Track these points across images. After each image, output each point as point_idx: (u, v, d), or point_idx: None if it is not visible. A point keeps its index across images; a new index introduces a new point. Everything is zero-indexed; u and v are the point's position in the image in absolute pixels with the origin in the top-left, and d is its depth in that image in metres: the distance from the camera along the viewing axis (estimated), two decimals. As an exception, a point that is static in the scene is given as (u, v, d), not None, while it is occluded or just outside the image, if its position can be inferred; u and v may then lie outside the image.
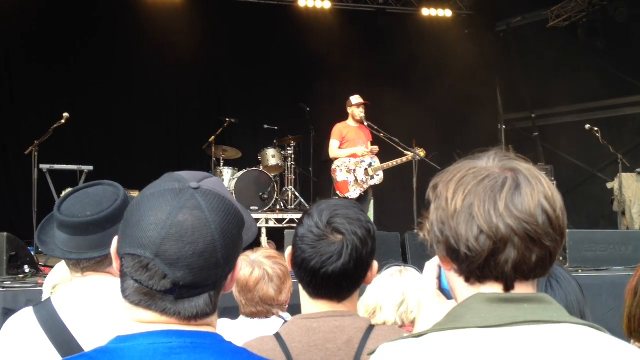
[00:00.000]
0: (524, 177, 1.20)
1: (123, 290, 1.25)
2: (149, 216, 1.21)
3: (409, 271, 2.74)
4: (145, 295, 1.22)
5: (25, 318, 1.99)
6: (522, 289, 1.20)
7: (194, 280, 1.20)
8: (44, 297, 2.57)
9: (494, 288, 1.20)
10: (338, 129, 8.72)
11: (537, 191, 1.18)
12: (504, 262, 1.17)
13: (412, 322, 2.61)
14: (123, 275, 1.25)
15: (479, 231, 1.17)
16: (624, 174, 9.85)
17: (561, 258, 6.99)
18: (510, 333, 1.14)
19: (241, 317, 2.74)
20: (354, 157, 8.59)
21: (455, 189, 1.22)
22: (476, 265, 1.19)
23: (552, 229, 1.18)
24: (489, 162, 1.23)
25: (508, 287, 1.20)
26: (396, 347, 1.20)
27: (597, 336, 1.16)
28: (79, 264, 2.06)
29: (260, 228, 9.39)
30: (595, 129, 9.01)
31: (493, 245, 1.16)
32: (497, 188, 1.18)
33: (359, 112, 8.59)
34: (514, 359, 1.12)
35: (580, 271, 6.44)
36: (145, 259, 1.19)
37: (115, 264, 1.28)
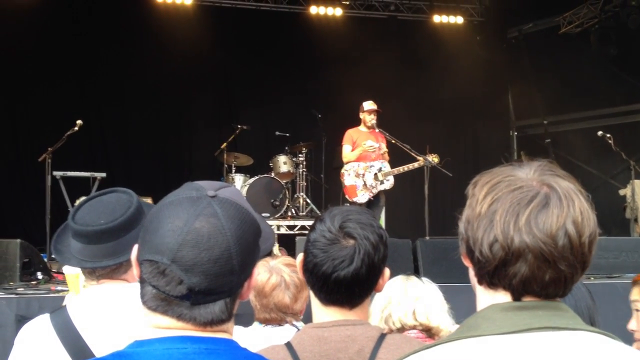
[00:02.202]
0: (557, 196, 1.18)
1: (142, 296, 1.28)
2: (166, 223, 1.24)
3: (419, 279, 2.73)
4: (162, 300, 1.25)
5: (41, 325, 2.01)
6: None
7: (209, 286, 1.23)
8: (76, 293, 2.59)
9: (505, 297, 1.21)
10: (349, 134, 8.74)
11: (565, 213, 1.17)
12: (512, 275, 1.17)
13: (424, 330, 2.60)
14: (142, 282, 1.28)
15: (494, 239, 1.18)
16: (636, 181, 9.79)
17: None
18: (525, 339, 1.15)
19: (255, 324, 2.75)
20: (364, 159, 8.60)
21: (487, 192, 1.22)
22: (486, 271, 1.20)
23: (572, 254, 1.16)
24: (529, 174, 1.23)
25: (516, 299, 1.20)
26: None
27: (611, 344, 1.16)
28: (94, 272, 2.08)
29: (271, 235, 9.38)
30: (608, 135, 8.96)
31: (505, 256, 1.17)
32: (524, 202, 1.18)
33: (370, 119, 8.62)
34: None
35: (592, 278, 6.40)
36: (162, 265, 1.22)
37: (136, 270, 1.31)
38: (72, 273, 2.93)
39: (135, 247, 1.31)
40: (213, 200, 1.28)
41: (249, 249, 1.29)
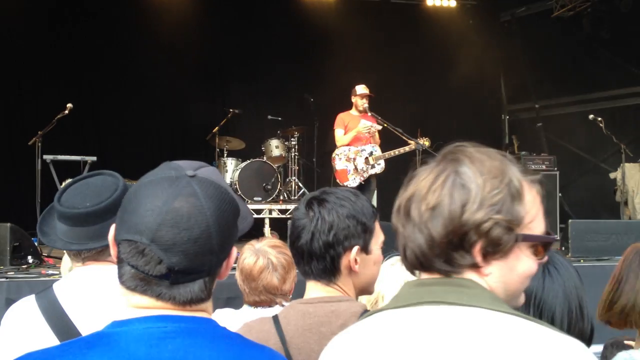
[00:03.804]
0: (444, 177, 1.23)
1: (120, 276, 1.28)
2: (145, 203, 1.24)
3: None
4: (141, 280, 1.25)
5: (27, 305, 2.01)
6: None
7: (188, 265, 1.23)
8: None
9: None
10: (340, 118, 8.73)
11: (416, 188, 1.26)
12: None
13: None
14: (120, 262, 1.27)
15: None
16: (627, 164, 9.84)
17: (563, 248, 6.99)
18: (413, 312, 1.18)
19: (245, 306, 2.76)
20: (356, 142, 8.59)
21: None
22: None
23: (418, 229, 1.22)
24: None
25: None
26: (333, 341, 1.29)
27: (505, 319, 1.13)
28: (80, 254, 2.08)
29: (263, 219, 9.41)
30: (599, 119, 8.99)
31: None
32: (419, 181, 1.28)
33: (362, 103, 8.60)
34: (408, 336, 1.16)
35: (582, 261, 6.45)
36: (141, 245, 1.22)
37: (113, 250, 1.31)
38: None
39: (113, 227, 1.31)
40: (192, 180, 1.28)
41: (228, 228, 1.29)
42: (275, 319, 1.85)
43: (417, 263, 1.22)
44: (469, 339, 1.11)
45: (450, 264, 1.19)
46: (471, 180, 1.18)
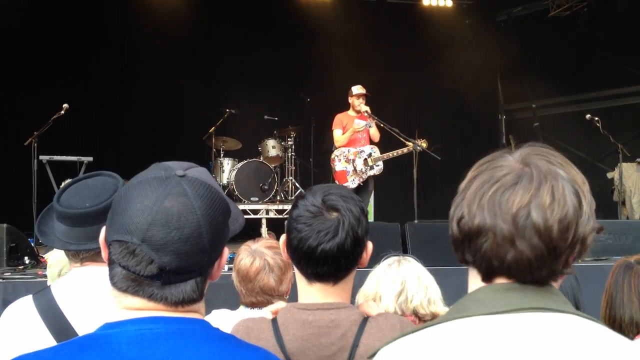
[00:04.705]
0: (529, 177, 1.16)
1: (111, 278, 1.27)
2: (135, 203, 1.24)
3: (408, 260, 2.75)
4: (132, 281, 1.24)
5: (24, 306, 2.01)
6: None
7: (180, 265, 1.22)
8: (49, 283, 2.59)
9: (477, 274, 1.21)
10: (339, 118, 8.73)
11: (531, 194, 1.14)
12: (475, 251, 1.18)
13: (413, 312, 2.62)
14: (111, 263, 1.27)
15: (461, 215, 1.19)
16: (624, 164, 9.86)
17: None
18: (513, 319, 1.14)
19: (241, 307, 2.75)
20: (354, 143, 8.60)
21: (472, 173, 1.24)
22: (455, 246, 1.22)
23: (537, 236, 1.14)
24: (517, 155, 1.21)
25: (485, 279, 1.20)
26: (396, 348, 1.19)
27: (599, 330, 1.15)
28: (78, 255, 2.08)
29: (260, 219, 9.42)
30: (596, 118, 9.00)
31: (468, 231, 1.17)
32: (494, 180, 1.17)
33: (359, 103, 8.59)
34: (518, 344, 1.11)
35: (579, 261, 6.44)
36: (132, 245, 1.22)
37: (104, 252, 1.30)
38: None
39: (103, 229, 1.31)
40: (182, 180, 1.27)
41: (219, 228, 1.29)
42: (275, 325, 1.81)
43: (524, 269, 1.16)
44: (580, 345, 1.12)
45: (553, 273, 1.19)
46: (581, 191, 1.18)
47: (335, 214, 1.78)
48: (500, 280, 1.19)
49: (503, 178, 1.17)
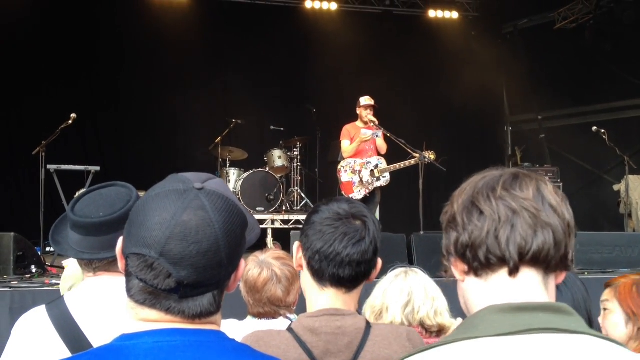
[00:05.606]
0: (523, 174, 1.24)
1: (128, 290, 1.27)
2: (153, 216, 1.23)
3: (415, 272, 2.76)
4: (150, 294, 1.24)
5: (38, 316, 2.01)
6: (531, 280, 1.19)
7: (197, 279, 1.22)
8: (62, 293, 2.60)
9: (502, 276, 1.19)
10: (346, 129, 8.74)
11: (535, 180, 1.21)
12: (505, 242, 1.17)
13: (419, 323, 2.63)
14: (128, 275, 1.27)
15: (480, 213, 1.20)
16: (630, 176, 9.84)
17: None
18: (524, 341, 1.11)
19: (248, 318, 2.76)
20: (361, 154, 8.60)
21: (459, 192, 1.26)
22: (477, 245, 1.19)
23: (554, 211, 1.19)
24: (492, 171, 1.27)
25: (512, 271, 1.18)
26: None
27: (615, 350, 1.13)
28: (92, 264, 2.08)
29: (266, 229, 9.42)
30: (602, 130, 9.00)
31: (493, 223, 1.18)
32: (494, 178, 1.23)
33: (366, 114, 8.59)
34: None
35: (586, 273, 6.43)
36: (150, 258, 1.21)
37: (120, 264, 1.30)
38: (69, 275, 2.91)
39: (120, 240, 1.31)
40: (200, 193, 1.27)
41: (236, 241, 1.28)
42: (292, 332, 1.82)
43: (545, 257, 1.18)
44: None
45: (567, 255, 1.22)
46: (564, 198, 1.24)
47: (359, 222, 1.82)
48: (526, 269, 1.19)
49: (502, 176, 1.24)
